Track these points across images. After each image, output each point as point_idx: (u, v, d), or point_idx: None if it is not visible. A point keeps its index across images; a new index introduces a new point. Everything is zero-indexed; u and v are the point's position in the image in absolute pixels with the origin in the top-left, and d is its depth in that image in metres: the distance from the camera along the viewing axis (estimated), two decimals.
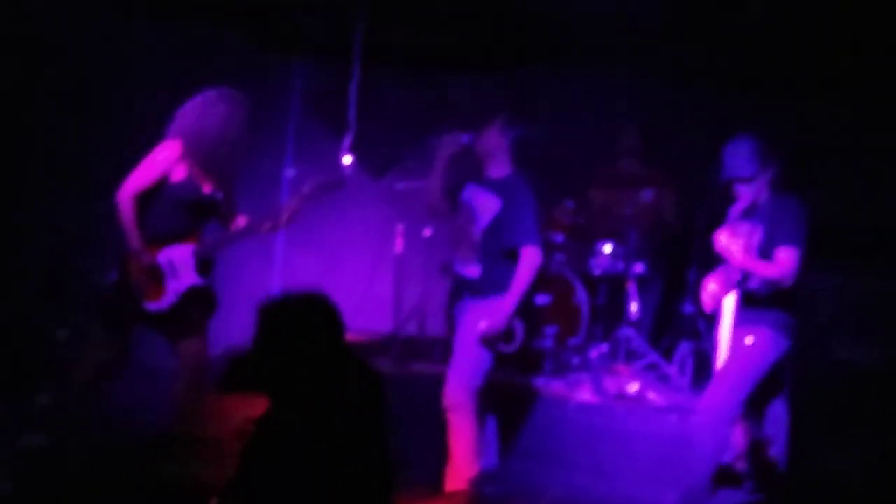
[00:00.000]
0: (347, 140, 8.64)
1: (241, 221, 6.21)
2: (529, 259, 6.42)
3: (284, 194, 8.96)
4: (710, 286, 6.32)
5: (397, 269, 8.63)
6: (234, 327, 8.25)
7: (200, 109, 5.99)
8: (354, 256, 9.37)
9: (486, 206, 6.59)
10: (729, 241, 6.11)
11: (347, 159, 8.66)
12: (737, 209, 6.24)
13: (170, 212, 5.98)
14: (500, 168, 6.63)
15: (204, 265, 6.09)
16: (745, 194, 6.18)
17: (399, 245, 8.63)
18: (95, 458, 5.86)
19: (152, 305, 6.00)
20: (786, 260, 5.92)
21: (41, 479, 5.64)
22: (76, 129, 7.23)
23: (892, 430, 5.05)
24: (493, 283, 6.51)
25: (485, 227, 6.57)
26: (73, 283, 6.76)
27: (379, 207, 9.20)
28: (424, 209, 7.17)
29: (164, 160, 5.92)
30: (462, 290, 6.67)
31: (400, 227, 8.61)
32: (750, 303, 6.11)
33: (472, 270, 6.59)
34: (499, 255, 6.48)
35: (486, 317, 6.45)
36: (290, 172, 9.10)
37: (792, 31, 7.70)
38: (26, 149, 6.87)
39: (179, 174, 5.95)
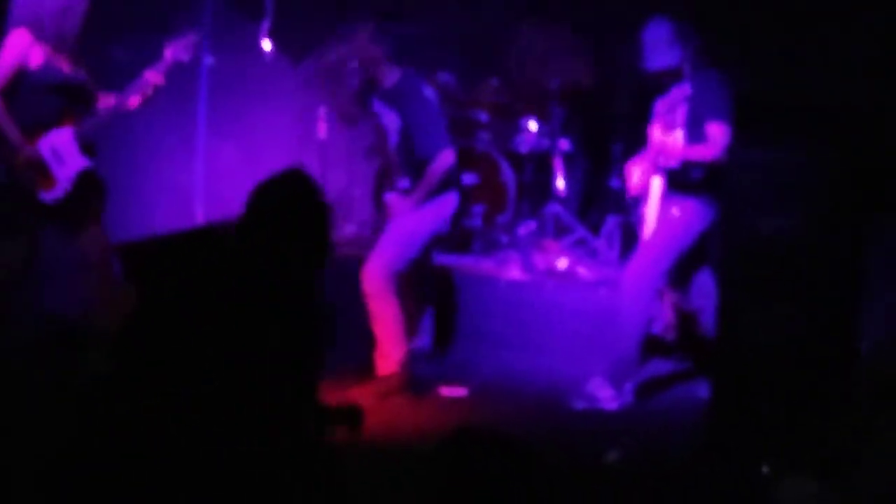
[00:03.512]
0: (265, 25, 8.50)
1: (107, 100, 6.07)
2: (440, 163, 6.40)
3: (202, 82, 8.81)
4: (635, 173, 6.35)
5: (321, 153, 8.56)
6: (159, 217, 8.22)
7: None
8: (278, 142, 9.25)
9: (391, 123, 6.55)
10: (663, 137, 6.15)
11: (267, 45, 8.53)
12: (663, 102, 6.25)
13: (37, 99, 5.82)
14: (388, 76, 6.55)
15: (87, 148, 5.98)
16: (679, 90, 6.18)
17: (322, 129, 8.55)
18: (18, 355, 5.81)
19: (48, 196, 5.87)
20: (718, 135, 5.95)
21: None
22: None
23: (813, 299, 5.12)
24: None
25: (396, 144, 6.55)
26: None
27: (300, 92, 9.08)
28: (339, 120, 7.10)
29: (17, 48, 5.73)
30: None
31: (322, 111, 8.52)
32: (677, 186, 6.15)
33: (404, 183, 6.58)
34: (419, 165, 6.46)
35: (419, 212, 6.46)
36: (208, 59, 8.94)
37: None
38: None
39: (36, 60, 5.79)
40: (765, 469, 4.93)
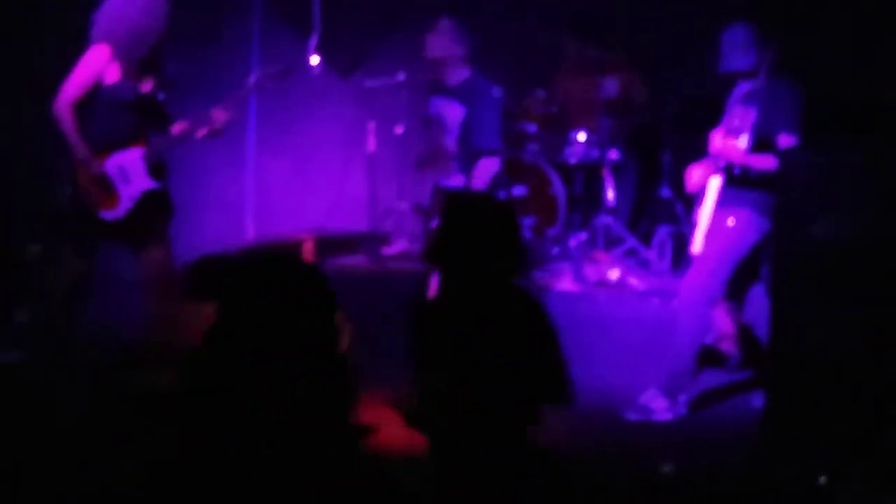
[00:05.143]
0: (314, 40, 8.53)
1: (178, 127, 6.09)
2: (486, 168, 6.40)
3: (252, 97, 8.85)
4: (695, 174, 6.30)
5: (370, 168, 8.57)
6: (208, 234, 8.25)
7: (120, 7, 5.85)
8: (327, 157, 9.29)
9: (453, 115, 6.54)
10: (724, 142, 6.09)
11: (315, 60, 8.56)
12: (735, 98, 6.22)
13: (111, 116, 5.85)
14: (457, 73, 6.56)
15: (156, 169, 5.99)
16: (745, 85, 6.14)
17: (371, 143, 8.56)
18: (77, 372, 5.83)
19: (108, 214, 5.88)
20: (788, 147, 5.88)
21: (21, 395, 5.63)
22: (35, 42, 7.10)
23: (868, 305, 5.05)
24: None
25: (456, 136, 6.54)
26: (43, 196, 6.67)
27: (349, 106, 9.11)
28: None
29: (95, 64, 5.77)
30: None
31: (371, 125, 8.53)
32: (736, 182, 6.10)
33: (456, 179, 6.56)
34: (473, 158, 6.45)
35: None
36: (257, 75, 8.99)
37: None
38: None
39: (113, 76, 5.81)
40: (821, 479, 4.87)
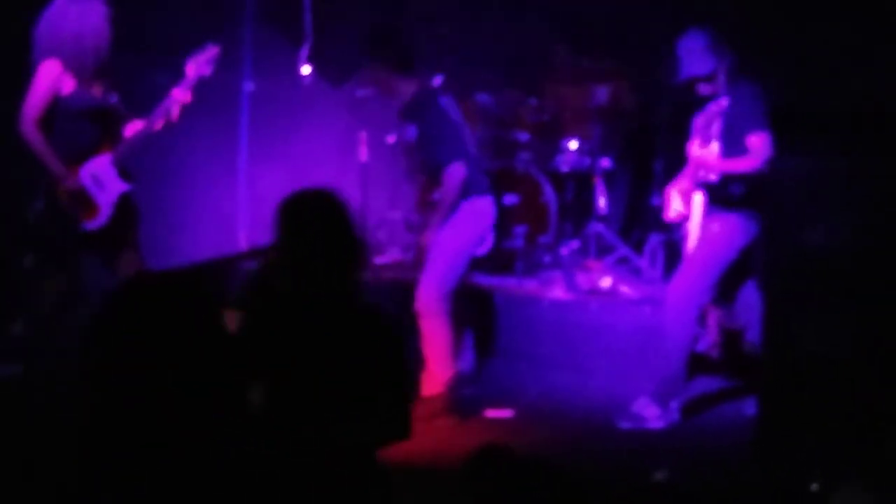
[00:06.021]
0: (305, 50, 8.54)
1: (136, 125, 6.09)
2: (451, 177, 6.38)
3: (243, 107, 8.85)
4: (675, 198, 6.34)
5: (363, 178, 8.58)
6: (202, 244, 8.25)
7: (61, 20, 5.87)
8: (319, 167, 9.28)
9: (411, 135, 6.56)
10: (701, 152, 6.14)
11: (306, 69, 8.57)
12: (702, 117, 6.25)
13: (74, 128, 5.87)
14: (405, 90, 6.57)
15: (124, 172, 6.02)
16: (706, 90, 6.17)
17: (363, 153, 8.57)
18: (70, 384, 5.83)
19: (92, 224, 5.91)
20: (759, 146, 5.94)
21: (18, 408, 5.63)
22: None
23: (860, 310, 5.07)
24: None
25: (421, 157, 6.56)
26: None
27: (341, 116, 9.12)
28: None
29: (49, 79, 5.79)
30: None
31: (363, 135, 8.54)
32: (718, 202, 6.14)
33: (438, 195, 6.57)
34: (434, 174, 6.47)
35: (449, 226, 6.45)
36: (248, 85, 8.98)
37: None
38: None
39: (67, 87, 5.84)
40: (813, 486, 4.88)
